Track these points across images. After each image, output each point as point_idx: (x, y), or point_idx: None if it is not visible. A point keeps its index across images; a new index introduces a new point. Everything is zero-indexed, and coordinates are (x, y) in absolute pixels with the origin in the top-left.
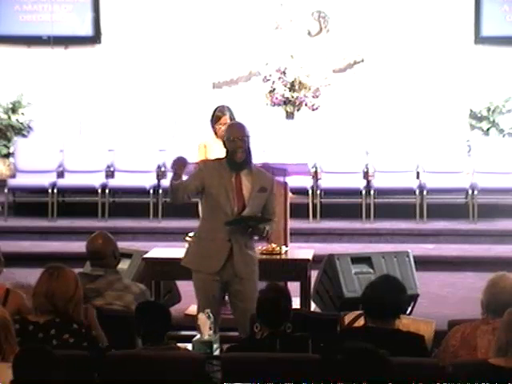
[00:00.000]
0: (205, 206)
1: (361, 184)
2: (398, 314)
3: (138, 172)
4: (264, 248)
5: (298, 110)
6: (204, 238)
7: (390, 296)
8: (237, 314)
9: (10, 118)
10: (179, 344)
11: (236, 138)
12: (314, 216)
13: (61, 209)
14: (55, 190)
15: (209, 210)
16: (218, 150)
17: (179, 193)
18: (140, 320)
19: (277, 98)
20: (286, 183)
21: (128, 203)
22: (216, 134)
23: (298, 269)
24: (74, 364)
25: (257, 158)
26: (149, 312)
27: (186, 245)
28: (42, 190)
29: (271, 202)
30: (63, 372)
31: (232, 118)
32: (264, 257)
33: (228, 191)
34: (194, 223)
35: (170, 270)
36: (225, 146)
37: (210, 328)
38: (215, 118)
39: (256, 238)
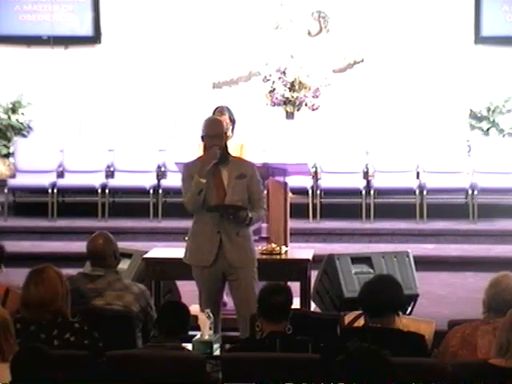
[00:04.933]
0: None
1: (361, 184)
2: (396, 310)
3: (138, 172)
4: (264, 248)
5: (298, 110)
6: (196, 233)
7: (385, 292)
8: (238, 303)
9: (9, 117)
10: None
11: (213, 136)
12: (314, 216)
13: (61, 209)
14: (55, 190)
15: None
16: None
17: (200, 196)
18: (165, 316)
19: (277, 98)
20: (286, 183)
21: (128, 203)
22: None
23: (298, 269)
24: (74, 364)
25: (257, 158)
26: (176, 312)
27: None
28: (42, 190)
29: (255, 188)
30: (62, 372)
31: (231, 118)
32: (264, 257)
33: (210, 185)
34: None
35: (169, 269)
36: (203, 141)
37: (210, 328)
38: None
39: (246, 225)
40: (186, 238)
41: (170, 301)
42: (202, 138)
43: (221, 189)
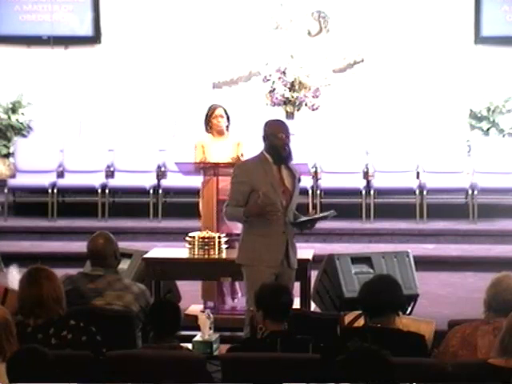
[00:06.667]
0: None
1: (361, 184)
2: (396, 310)
3: (138, 172)
4: None
5: (298, 110)
6: (259, 234)
7: (385, 292)
8: None
9: (9, 117)
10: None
11: (283, 135)
12: None
13: (61, 209)
14: (55, 190)
15: None
16: (215, 149)
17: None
18: (154, 317)
19: (277, 98)
20: None
21: (128, 203)
22: (211, 129)
23: (298, 269)
24: (74, 364)
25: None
26: (164, 311)
27: (188, 244)
28: (42, 190)
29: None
30: (60, 373)
31: (226, 111)
32: None
33: (275, 186)
34: (194, 223)
35: (170, 269)
36: (265, 141)
37: (210, 328)
38: (210, 112)
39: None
40: (188, 238)
41: (157, 301)
42: (264, 138)
43: (286, 193)
